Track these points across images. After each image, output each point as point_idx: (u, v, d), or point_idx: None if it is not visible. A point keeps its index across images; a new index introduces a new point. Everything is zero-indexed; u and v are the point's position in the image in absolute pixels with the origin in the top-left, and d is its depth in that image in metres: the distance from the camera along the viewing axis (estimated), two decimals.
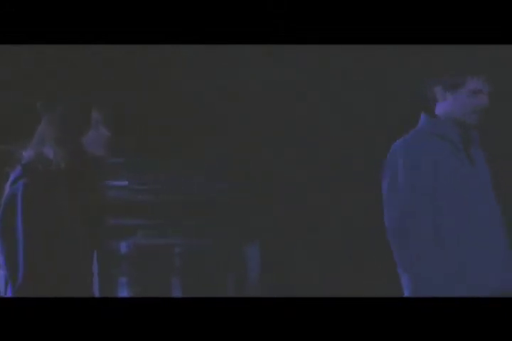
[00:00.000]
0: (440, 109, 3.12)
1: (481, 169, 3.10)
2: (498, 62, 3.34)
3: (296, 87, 4.93)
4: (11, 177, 2.93)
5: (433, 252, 2.89)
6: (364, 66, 4.80)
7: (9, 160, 3.01)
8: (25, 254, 2.81)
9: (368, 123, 4.90)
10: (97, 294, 2.94)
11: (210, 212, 5.02)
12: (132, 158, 4.87)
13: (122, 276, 4.97)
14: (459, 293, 2.85)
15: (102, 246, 3.04)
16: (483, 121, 3.10)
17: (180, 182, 4.99)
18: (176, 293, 5.04)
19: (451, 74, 3.08)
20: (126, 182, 4.99)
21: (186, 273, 5.10)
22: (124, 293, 4.88)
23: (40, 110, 3.05)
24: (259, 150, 5.02)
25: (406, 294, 2.95)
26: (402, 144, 3.05)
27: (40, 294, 2.76)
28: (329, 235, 4.98)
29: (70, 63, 4.61)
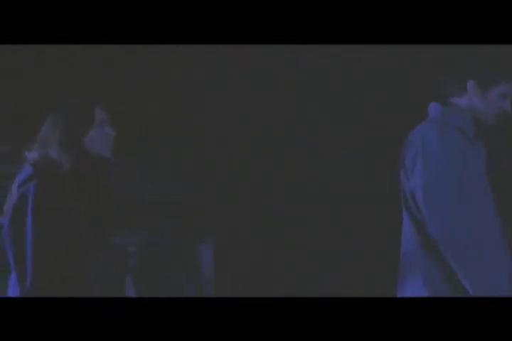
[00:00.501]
0: (464, 102, 3.08)
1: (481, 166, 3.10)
2: None
3: (296, 87, 4.93)
4: (19, 179, 2.91)
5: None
6: (364, 66, 4.80)
7: (14, 161, 3.00)
8: (34, 257, 2.79)
9: (367, 123, 4.89)
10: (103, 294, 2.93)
11: (164, 211, 5.00)
12: None
13: None
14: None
15: (108, 246, 3.03)
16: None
17: (135, 181, 4.96)
18: (130, 292, 5.01)
19: (488, 72, 3.06)
20: None
21: (140, 273, 5.08)
22: None
23: (43, 111, 3.04)
24: (228, 150, 5.00)
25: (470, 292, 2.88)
26: (432, 136, 2.98)
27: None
28: (286, 235, 4.97)
29: (70, 63, 4.61)
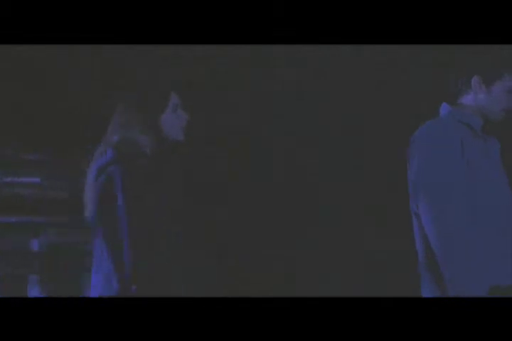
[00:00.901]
0: (470, 100, 3.10)
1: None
2: None
3: (296, 87, 4.93)
4: (100, 162, 2.84)
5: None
6: (365, 66, 4.81)
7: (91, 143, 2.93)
8: (130, 246, 2.73)
9: (367, 123, 4.90)
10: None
11: None
12: (45, 154, 4.80)
13: (33, 274, 4.87)
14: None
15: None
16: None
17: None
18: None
19: (491, 68, 3.07)
20: (37, 179, 4.91)
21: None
22: (35, 291, 4.78)
23: (118, 96, 3.01)
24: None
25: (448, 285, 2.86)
26: (428, 130, 3.00)
27: (149, 290, 2.71)
28: (243, 235, 4.96)
29: (70, 63, 4.62)
